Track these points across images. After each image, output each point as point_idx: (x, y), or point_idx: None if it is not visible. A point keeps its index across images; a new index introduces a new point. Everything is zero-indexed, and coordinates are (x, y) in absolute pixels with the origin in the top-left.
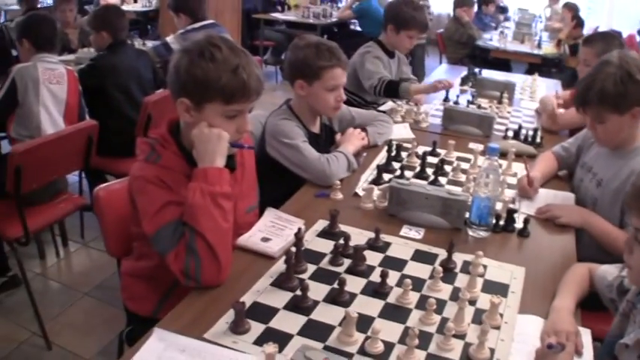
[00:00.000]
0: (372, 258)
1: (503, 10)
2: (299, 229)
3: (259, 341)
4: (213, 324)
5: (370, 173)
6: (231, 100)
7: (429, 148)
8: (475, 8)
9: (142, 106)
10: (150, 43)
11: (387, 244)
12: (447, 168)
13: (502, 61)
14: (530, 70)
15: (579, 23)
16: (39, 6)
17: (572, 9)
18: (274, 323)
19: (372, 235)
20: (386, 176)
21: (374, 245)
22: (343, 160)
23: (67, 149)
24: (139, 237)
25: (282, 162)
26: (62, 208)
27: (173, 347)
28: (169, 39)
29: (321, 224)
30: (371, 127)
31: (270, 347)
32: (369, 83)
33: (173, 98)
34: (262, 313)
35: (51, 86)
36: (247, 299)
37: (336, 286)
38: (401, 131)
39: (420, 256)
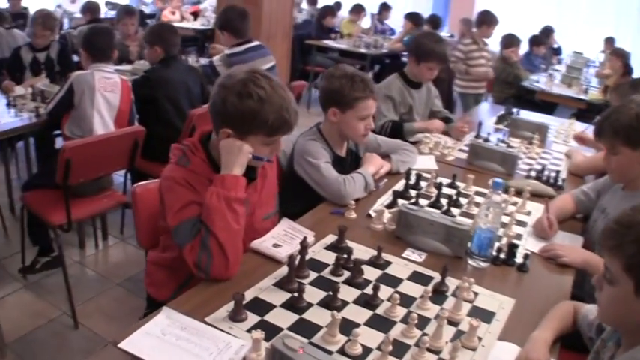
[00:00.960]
0: (371, 273)
1: (557, 51)
2: (304, 238)
3: (252, 330)
4: (215, 310)
5: (387, 198)
6: (274, 134)
7: (448, 180)
8: (525, 49)
9: (187, 118)
10: (203, 61)
11: (388, 263)
12: (463, 201)
13: (548, 104)
14: (578, 116)
15: (628, 71)
16: (102, 16)
17: (622, 56)
18: (269, 317)
19: (375, 252)
20: (401, 202)
21: (375, 262)
22: (360, 181)
23: (114, 150)
24: (164, 231)
25: (305, 179)
26: (105, 203)
27: (176, 324)
28: (215, 60)
29: (331, 238)
30: (395, 155)
31: (258, 333)
32: (378, 124)
33: (215, 126)
34: (260, 307)
35: (106, 94)
36: (250, 293)
37: (330, 292)
38: (426, 162)
39: (416, 277)
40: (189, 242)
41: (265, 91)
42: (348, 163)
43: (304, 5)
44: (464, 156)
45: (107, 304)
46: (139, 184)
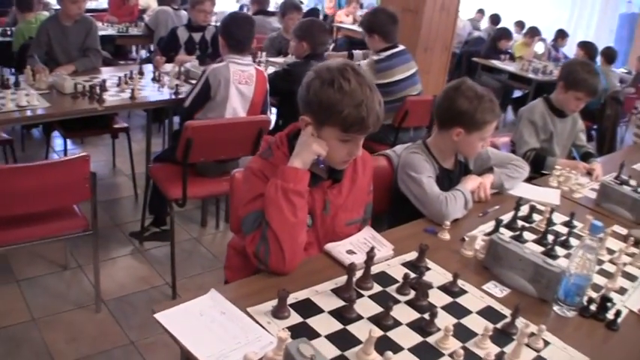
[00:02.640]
0: (440, 299)
1: None
2: (372, 248)
3: (290, 329)
4: (262, 303)
5: (490, 225)
6: (348, 130)
7: (566, 218)
8: None
9: None
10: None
11: (463, 292)
12: (574, 242)
13: None
14: None
15: None
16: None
17: None
18: (312, 320)
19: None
20: (504, 232)
21: (448, 288)
22: (461, 199)
23: (237, 135)
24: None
25: (407, 194)
26: (223, 186)
27: (217, 308)
28: (362, 65)
29: (413, 255)
30: (500, 168)
31: (283, 333)
32: (520, 152)
33: (300, 111)
34: (308, 309)
35: (240, 86)
36: (304, 294)
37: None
38: (549, 195)
39: (487, 312)
40: (251, 233)
41: (349, 83)
42: (457, 176)
43: (484, 23)
44: (593, 195)
45: (210, 282)
46: (239, 169)
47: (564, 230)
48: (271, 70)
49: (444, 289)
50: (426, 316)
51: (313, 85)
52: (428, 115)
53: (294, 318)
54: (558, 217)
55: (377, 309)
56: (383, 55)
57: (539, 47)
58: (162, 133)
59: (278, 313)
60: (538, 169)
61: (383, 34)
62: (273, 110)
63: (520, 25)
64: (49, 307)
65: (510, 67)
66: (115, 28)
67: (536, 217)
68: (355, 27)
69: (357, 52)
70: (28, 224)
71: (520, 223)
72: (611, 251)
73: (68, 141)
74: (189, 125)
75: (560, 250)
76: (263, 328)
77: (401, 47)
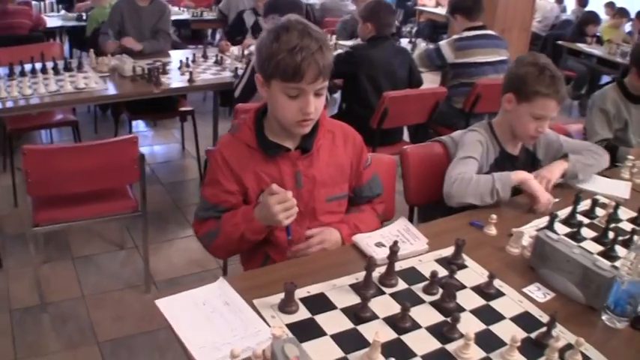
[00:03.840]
0: (471, 301)
1: None
2: (394, 242)
3: (294, 325)
4: (269, 295)
5: (545, 220)
6: (287, 79)
7: (634, 214)
8: None
9: (377, 99)
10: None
11: (499, 294)
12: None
13: None
14: None
15: None
16: None
17: None
18: (320, 317)
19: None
20: (559, 228)
21: (483, 290)
22: (484, 185)
23: None
24: None
25: None
26: None
27: (222, 297)
28: (442, 44)
29: (450, 251)
30: (575, 155)
31: (278, 330)
32: (590, 142)
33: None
34: (319, 304)
35: None
36: (318, 288)
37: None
38: (617, 188)
39: (522, 320)
40: (200, 221)
41: (288, 32)
42: (522, 163)
43: (572, 4)
44: None
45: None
46: (410, 146)
47: (629, 228)
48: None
49: (478, 290)
50: (450, 320)
51: (261, 41)
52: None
53: (302, 313)
54: (625, 213)
55: (396, 309)
56: (464, 35)
57: (628, 29)
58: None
59: (285, 307)
60: (612, 160)
61: (466, 12)
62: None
63: (611, 6)
64: (99, 285)
65: (597, 50)
66: (190, 12)
67: (599, 212)
68: (438, 10)
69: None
70: (82, 203)
71: (580, 218)
72: None
73: (142, 124)
74: (239, 108)
75: (621, 251)
76: (265, 322)
77: (490, 32)
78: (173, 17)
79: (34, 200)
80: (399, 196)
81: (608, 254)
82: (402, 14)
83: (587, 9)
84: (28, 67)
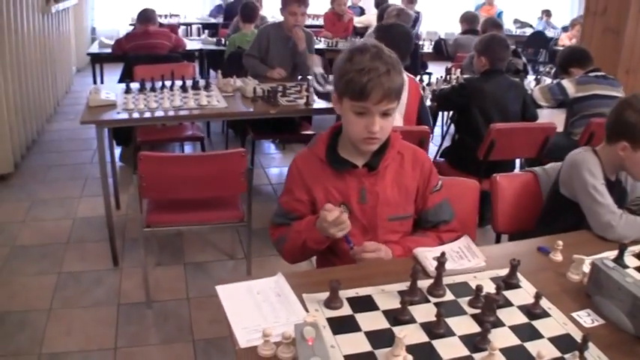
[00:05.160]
0: (515, 318)
1: None
2: (442, 253)
3: (334, 319)
4: (319, 292)
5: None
6: (354, 97)
7: None
8: None
9: (487, 131)
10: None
11: (544, 315)
12: None
13: None
14: None
15: None
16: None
17: None
18: (360, 316)
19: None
20: (631, 261)
21: (530, 309)
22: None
23: None
24: None
25: (574, 195)
26: None
27: (276, 289)
28: (565, 82)
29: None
30: None
31: (311, 318)
32: None
33: None
34: (364, 304)
35: None
36: (367, 290)
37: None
38: None
39: (561, 341)
40: (274, 226)
41: (361, 54)
42: (616, 191)
43: None
44: None
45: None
46: (500, 174)
47: None
48: None
49: (525, 309)
50: (482, 329)
51: (338, 60)
52: None
53: (345, 310)
54: None
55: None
56: (585, 75)
57: None
58: None
59: (330, 303)
60: None
61: (579, 64)
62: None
63: None
64: (204, 289)
65: None
66: (326, 42)
67: None
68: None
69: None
70: (192, 209)
71: None
72: None
73: (272, 147)
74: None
75: None
76: (307, 311)
77: (605, 73)
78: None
79: (149, 204)
80: None
81: None
82: (546, 55)
83: None
84: (159, 84)
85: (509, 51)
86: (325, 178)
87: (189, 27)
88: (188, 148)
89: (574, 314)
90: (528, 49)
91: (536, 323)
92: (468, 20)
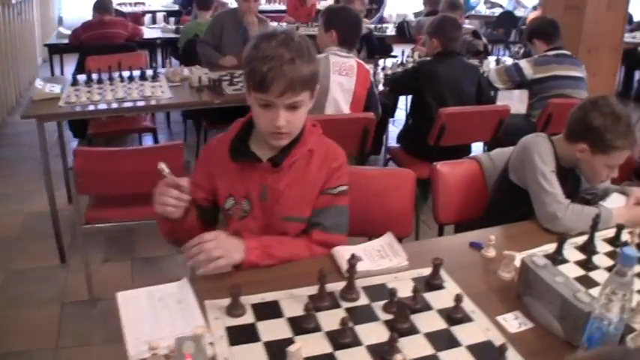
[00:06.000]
0: (433, 324)
1: None
2: (352, 255)
3: (233, 328)
4: (224, 298)
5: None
6: (256, 88)
7: None
8: None
9: (435, 116)
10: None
11: (466, 319)
12: None
13: None
14: None
15: None
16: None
17: None
18: (263, 324)
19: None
20: (573, 254)
21: (450, 314)
22: (588, 217)
23: (338, 133)
24: None
25: (523, 182)
26: None
27: (177, 296)
28: (522, 62)
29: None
30: None
31: (200, 329)
32: None
33: None
34: (269, 311)
35: (340, 77)
36: (274, 295)
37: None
38: None
39: (480, 350)
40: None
41: (268, 41)
42: (570, 180)
43: None
44: None
45: None
46: (441, 162)
47: None
48: None
49: (445, 313)
50: (389, 339)
51: (245, 49)
52: None
53: (247, 318)
54: None
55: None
56: (547, 54)
57: None
58: None
59: (231, 310)
60: None
61: (545, 37)
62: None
63: None
64: (150, 283)
65: None
66: (289, 27)
67: (627, 237)
68: None
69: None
70: (134, 205)
71: (599, 245)
72: None
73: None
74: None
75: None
76: (206, 321)
77: (567, 52)
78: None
79: (91, 200)
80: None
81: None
82: (516, 35)
83: None
84: (106, 75)
85: (460, 31)
86: (230, 170)
87: (154, 15)
88: (148, 140)
89: (500, 318)
90: (498, 29)
91: (456, 329)
92: (431, 1)
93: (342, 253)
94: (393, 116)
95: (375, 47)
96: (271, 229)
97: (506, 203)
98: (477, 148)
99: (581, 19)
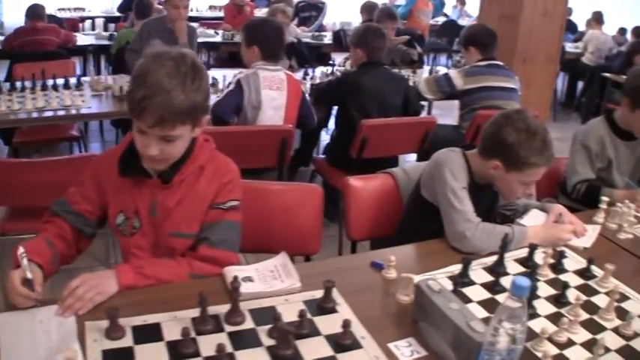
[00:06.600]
0: (318, 351)
1: None
2: (234, 277)
3: (110, 352)
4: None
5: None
6: (130, 112)
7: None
8: None
9: (358, 128)
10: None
11: (355, 346)
12: (569, 296)
13: None
14: None
15: None
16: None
17: None
18: (140, 348)
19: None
20: (480, 275)
21: (338, 341)
22: (498, 236)
23: (255, 146)
24: None
25: (434, 197)
26: None
27: (59, 318)
28: (451, 72)
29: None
30: None
31: (70, 352)
32: (569, 183)
33: None
34: (149, 334)
35: (271, 92)
36: (158, 317)
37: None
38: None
39: None
40: (49, 214)
41: (149, 64)
42: (486, 195)
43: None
44: None
45: None
46: (353, 177)
47: (576, 281)
48: None
49: (333, 339)
50: None
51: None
52: None
53: (126, 341)
54: (576, 263)
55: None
56: (479, 64)
57: None
58: None
59: (110, 333)
60: (593, 203)
61: (481, 47)
62: None
63: None
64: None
65: None
66: (223, 35)
67: (539, 259)
68: None
69: None
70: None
71: (513, 266)
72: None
73: None
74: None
75: (545, 308)
76: (81, 345)
77: (499, 62)
78: (206, 39)
79: (8, 210)
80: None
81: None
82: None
83: None
84: (34, 83)
85: (385, 40)
86: (120, 185)
87: (93, 20)
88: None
89: (392, 344)
90: (442, 38)
91: (342, 356)
92: (368, 10)
93: (233, 273)
94: (327, 126)
95: (304, 57)
96: (160, 246)
97: (418, 220)
98: (413, 159)
99: (516, 28)
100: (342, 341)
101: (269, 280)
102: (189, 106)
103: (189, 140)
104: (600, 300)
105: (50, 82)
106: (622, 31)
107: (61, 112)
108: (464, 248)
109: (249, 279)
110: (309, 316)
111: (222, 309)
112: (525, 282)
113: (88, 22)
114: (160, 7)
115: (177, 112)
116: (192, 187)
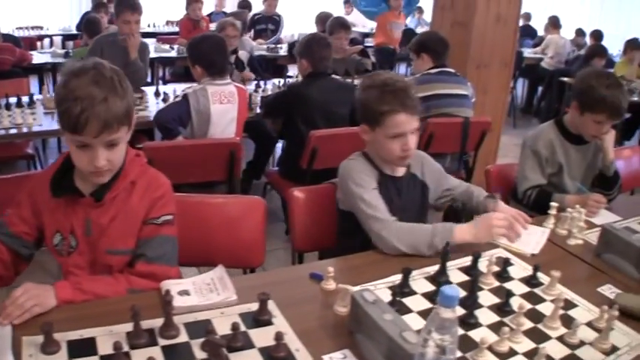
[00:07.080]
0: None
1: None
2: (167, 291)
3: None
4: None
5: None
6: (70, 130)
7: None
8: None
9: (306, 139)
10: None
11: (289, 358)
12: (513, 305)
13: None
14: None
15: None
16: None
17: None
18: None
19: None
20: (423, 285)
21: (271, 353)
22: (424, 236)
23: (202, 159)
24: None
25: (348, 206)
26: None
27: None
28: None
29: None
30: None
31: None
32: (520, 190)
33: None
34: (84, 349)
35: (221, 106)
36: (94, 332)
37: None
38: (529, 241)
39: None
40: None
41: (79, 79)
42: (407, 186)
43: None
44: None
45: None
46: (297, 188)
47: (521, 289)
48: None
49: (266, 352)
50: None
51: (56, 87)
52: (459, 139)
53: (60, 356)
54: (522, 270)
55: None
56: (426, 71)
57: None
58: None
59: (46, 347)
60: (545, 209)
61: (434, 55)
62: None
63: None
64: None
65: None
66: (178, 50)
67: (482, 267)
68: None
69: None
70: None
71: (456, 275)
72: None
73: None
74: (146, 146)
75: (486, 318)
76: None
77: (451, 70)
78: (161, 54)
79: None
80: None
81: (467, 322)
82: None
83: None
84: None
85: (330, 49)
86: (54, 205)
87: (52, 39)
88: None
89: (327, 356)
90: (401, 47)
91: None
92: (323, 21)
93: (169, 287)
94: (283, 138)
95: (256, 69)
96: (97, 263)
97: (350, 230)
98: None
99: (469, 34)
100: (276, 354)
101: (205, 294)
102: (125, 108)
103: (126, 144)
104: (546, 308)
105: (3, 101)
106: (580, 32)
107: (13, 131)
108: (386, 249)
109: (185, 292)
110: (243, 328)
111: (158, 323)
112: (454, 291)
113: (46, 40)
114: (110, 25)
115: (117, 115)
116: (125, 204)
